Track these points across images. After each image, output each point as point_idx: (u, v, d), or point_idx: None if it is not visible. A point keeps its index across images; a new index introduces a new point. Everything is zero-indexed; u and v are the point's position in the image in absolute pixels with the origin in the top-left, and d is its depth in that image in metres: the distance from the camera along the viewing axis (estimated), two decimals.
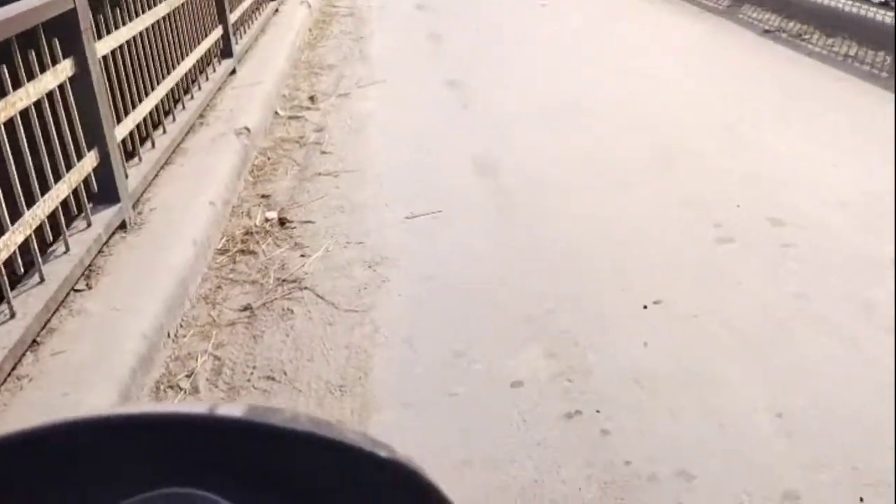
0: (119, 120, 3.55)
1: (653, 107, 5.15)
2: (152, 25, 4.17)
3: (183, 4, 4.79)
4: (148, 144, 3.94)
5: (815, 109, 4.92)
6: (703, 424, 2.37)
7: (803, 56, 6.14)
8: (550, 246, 3.45)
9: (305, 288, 3.20)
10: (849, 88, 5.30)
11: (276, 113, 5.38)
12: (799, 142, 4.41)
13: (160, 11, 4.30)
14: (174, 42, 4.56)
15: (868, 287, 2.99)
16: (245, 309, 3.07)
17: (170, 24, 4.49)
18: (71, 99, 3.07)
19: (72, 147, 3.02)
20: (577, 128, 4.84)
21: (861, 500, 2.06)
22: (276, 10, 8.09)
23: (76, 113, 3.09)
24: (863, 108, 4.89)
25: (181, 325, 2.96)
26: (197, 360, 2.77)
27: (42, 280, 2.68)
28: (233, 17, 6.03)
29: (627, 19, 8.02)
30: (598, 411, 2.46)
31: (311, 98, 5.76)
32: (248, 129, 4.61)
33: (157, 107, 4.12)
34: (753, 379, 2.54)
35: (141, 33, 3.98)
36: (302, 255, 3.46)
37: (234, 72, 5.73)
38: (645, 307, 2.98)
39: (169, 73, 4.37)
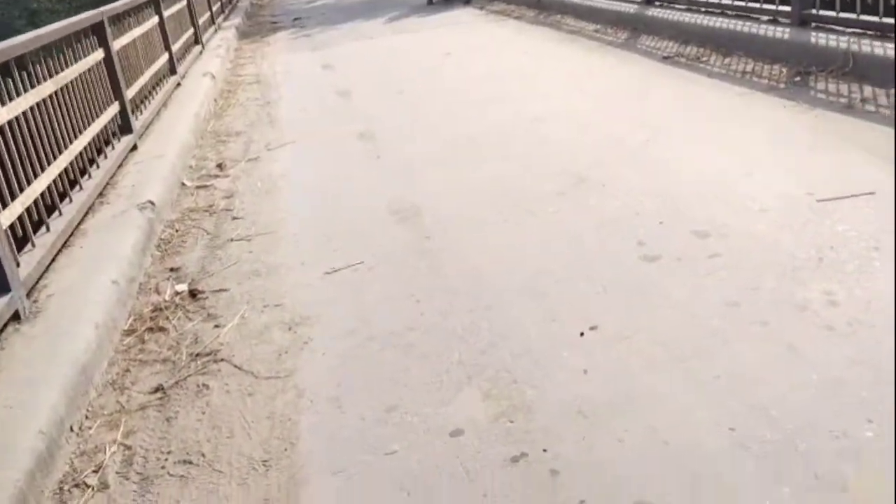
0: (5, 205, 3.31)
1: (563, 137, 5.15)
2: (38, 104, 3.95)
3: (73, 82, 4.59)
4: (42, 229, 3.69)
5: (722, 124, 5.00)
6: (654, 449, 2.24)
7: (704, 77, 6.28)
8: (475, 285, 3.33)
9: (221, 360, 2.98)
10: (751, 101, 5.41)
11: (183, 184, 5.18)
12: (711, 156, 4.44)
13: (45, 90, 4.09)
14: (65, 121, 4.33)
15: (798, 288, 2.95)
16: (156, 390, 2.83)
17: (58, 102, 4.28)
18: None
19: None
20: (491, 165, 4.79)
21: None
22: (178, 84, 7.92)
23: None
24: (766, 118, 4.98)
25: (86, 417, 2.70)
26: (105, 451, 2.51)
27: None
28: (130, 93, 5.83)
29: (529, 55, 8.13)
30: (544, 450, 2.31)
31: (220, 165, 5.58)
32: (151, 203, 4.39)
33: (49, 188, 3.88)
34: (695, 394, 2.44)
35: (25, 113, 3.76)
36: (216, 326, 3.24)
37: (135, 147, 5.51)
38: (581, 334, 2.87)
39: (61, 152, 4.14)
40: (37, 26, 15.77)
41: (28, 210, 3.56)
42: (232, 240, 4.16)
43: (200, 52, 10.03)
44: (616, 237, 3.58)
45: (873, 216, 3.41)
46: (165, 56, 7.74)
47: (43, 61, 4.21)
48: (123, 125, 5.50)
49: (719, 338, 2.71)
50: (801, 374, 2.45)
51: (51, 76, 4.24)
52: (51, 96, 4.17)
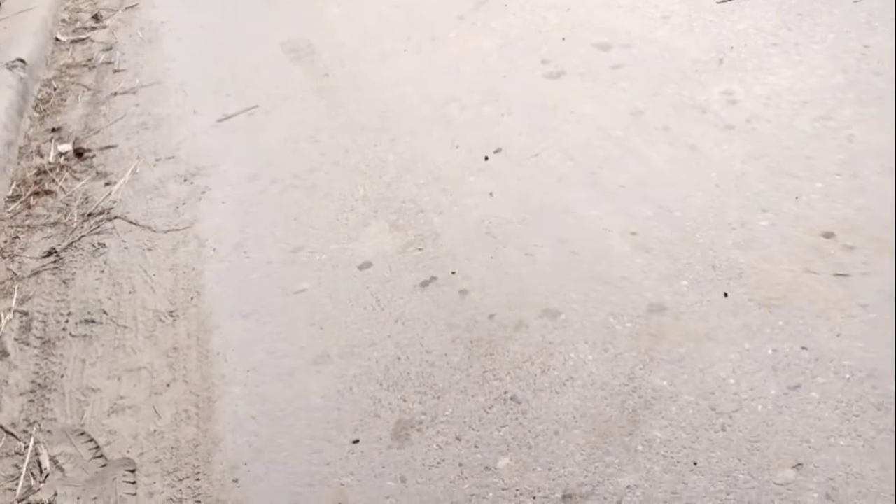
0: None
1: None
2: None
3: None
4: None
5: None
6: (559, 260, 2.26)
7: None
8: (378, 119, 3.20)
9: (116, 217, 2.83)
10: None
11: (57, 39, 4.74)
12: None
13: None
14: None
15: (698, 91, 2.93)
16: (49, 254, 2.69)
17: None
18: None
19: None
20: None
21: (725, 294, 2.02)
22: None
23: None
24: None
25: None
26: (1, 320, 2.40)
27: None
28: None
29: None
30: (453, 273, 2.30)
31: (95, 17, 5.11)
32: (22, 62, 4.02)
33: None
34: (602, 203, 2.44)
35: None
36: (107, 184, 3.06)
37: None
38: (486, 158, 2.81)
39: None
40: None
41: None
42: (116, 94, 3.88)
43: None
44: (519, 57, 3.46)
45: (772, 13, 3.37)
46: None
47: None
48: None
49: (624, 146, 2.69)
50: (702, 173, 2.47)
51: None
52: None
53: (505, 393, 1.89)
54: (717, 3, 3.56)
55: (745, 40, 3.19)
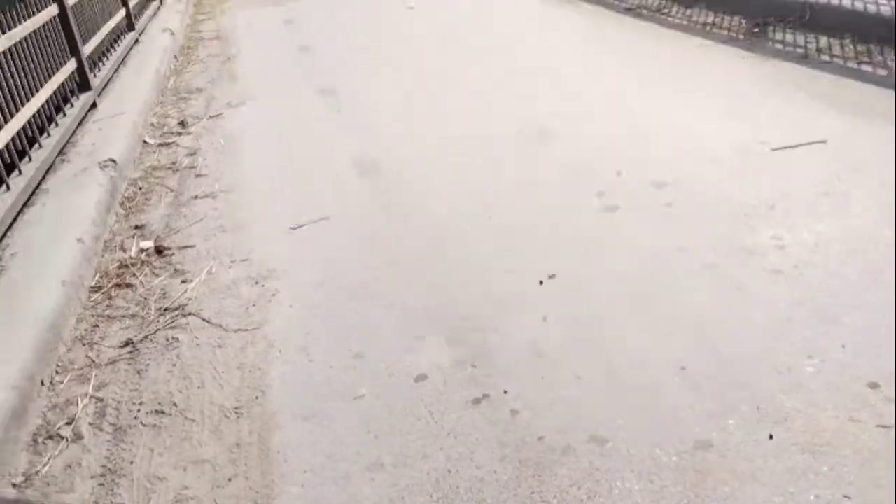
0: None
1: (522, 84, 5.19)
2: None
3: (26, 38, 4.49)
4: (2, 187, 3.66)
5: (684, 74, 5.07)
6: (609, 387, 2.35)
7: (665, 28, 6.33)
8: (438, 236, 3.39)
9: (190, 314, 3.02)
10: (710, 52, 5.48)
11: (145, 142, 5.13)
12: (671, 106, 4.52)
13: None
14: (20, 78, 4.26)
15: (748, 234, 3.06)
16: (126, 344, 2.87)
17: (12, 59, 4.20)
18: None
19: None
20: (450, 115, 4.82)
21: (771, 437, 2.08)
22: (137, 41, 7.76)
23: None
24: (725, 69, 5.06)
25: (57, 371, 2.74)
26: (77, 404, 2.56)
27: None
28: (87, 49, 5.72)
29: (491, 6, 8.11)
30: (505, 392, 2.41)
31: (181, 123, 5.53)
32: (113, 161, 4.36)
33: (8, 147, 3.83)
34: (652, 335, 2.55)
35: None
36: (183, 281, 3.27)
37: (94, 105, 5.43)
38: (541, 282, 2.95)
39: (18, 110, 4.08)
40: None
41: None
42: (196, 196, 4.17)
43: (159, 8, 9.81)
44: (576, 188, 3.66)
45: (824, 164, 3.53)
46: (122, 11, 7.56)
47: None
48: (82, 82, 5.41)
49: (674, 281, 2.82)
50: (750, 315, 2.57)
51: (3, 32, 4.16)
52: (3, 53, 4.09)
53: None
54: (771, 150, 3.74)
55: (796, 187, 3.34)
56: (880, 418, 2.07)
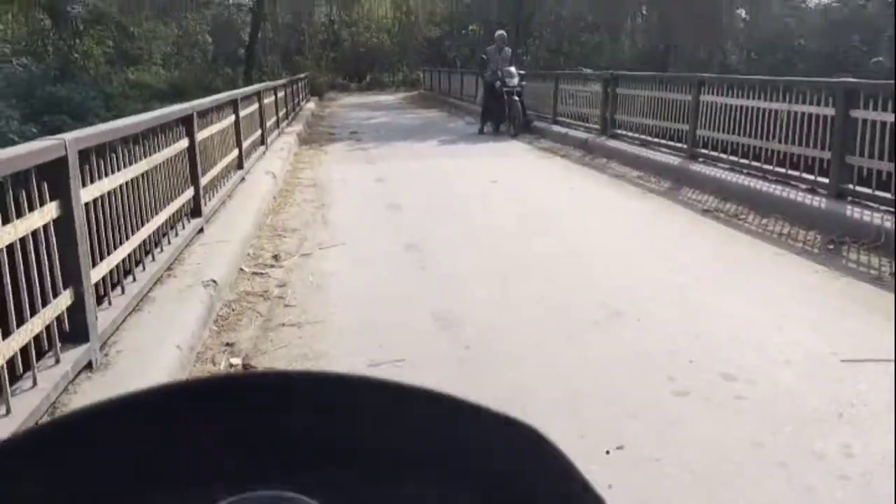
0: (94, 264, 3.63)
1: (604, 272, 5.44)
2: (132, 179, 4.35)
3: (161, 164, 5.02)
4: (118, 290, 4.00)
5: (757, 279, 5.26)
6: None
7: (741, 233, 6.61)
8: (511, 397, 3.53)
9: None
10: (785, 262, 5.69)
11: (242, 269, 5.51)
12: (744, 306, 4.68)
13: (140, 167, 4.51)
14: (150, 197, 4.74)
15: (817, 438, 3.12)
16: None
17: (147, 180, 4.69)
18: (53, 239, 3.16)
19: (49, 284, 3.07)
20: (528, 287, 5.07)
21: None
22: (243, 179, 8.44)
23: (56, 253, 3.17)
24: (798, 280, 5.24)
25: None
26: None
27: (8, 412, 2.64)
28: (204, 180, 6.29)
29: (574, 192, 8.58)
30: None
31: (275, 257, 5.93)
32: (214, 282, 4.71)
33: (129, 256, 4.22)
34: None
35: (121, 185, 4.15)
36: None
37: (201, 230, 5.90)
38: (607, 452, 3.04)
39: (143, 225, 4.51)
40: (110, 109, 16.64)
41: (110, 273, 3.88)
42: (283, 324, 4.43)
43: (264, 153, 10.68)
44: (648, 370, 3.79)
45: (892, 379, 3.60)
46: (236, 151, 8.31)
47: (139, 142, 4.66)
48: (195, 209, 5.92)
49: (742, 473, 2.87)
50: None
51: (145, 157, 4.67)
52: (143, 174, 4.59)
53: None
54: (842, 361, 3.84)
55: (865, 400, 3.41)
56: None
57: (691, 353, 3.96)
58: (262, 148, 10.66)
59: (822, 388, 3.55)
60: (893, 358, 3.84)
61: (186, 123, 5.85)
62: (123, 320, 3.87)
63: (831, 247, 5.96)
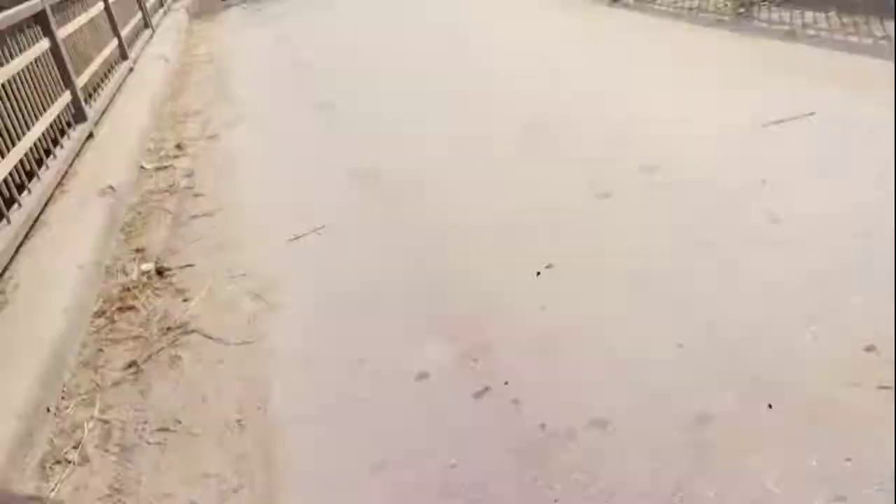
0: None
1: (515, 82, 5.19)
2: None
3: (19, 73, 4.55)
4: (3, 221, 3.70)
5: (670, 59, 5.06)
6: (608, 370, 2.35)
7: (652, 16, 6.33)
8: (438, 236, 3.40)
9: (192, 331, 3.04)
10: (699, 36, 5.47)
11: (142, 167, 5.18)
12: (663, 92, 4.51)
13: None
14: (15, 113, 4.31)
15: (742, 210, 3.05)
16: (130, 366, 2.89)
17: (6, 95, 4.25)
18: None
19: None
20: (445, 117, 4.83)
21: (770, 406, 2.07)
22: (131, 69, 7.84)
23: None
24: (715, 51, 5.05)
25: (62, 397, 2.76)
26: (83, 428, 2.58)
27: None
28: (81, 81, 5.78)
29: (482, 6, 8.13)
30: (506, 383, 2.40)
31: (178, 146, 5.58)
32: (112, 188, 4.40)
33: (6, 182, 3.88)
34: (649, 315, 2.54)
35: None
36: (184, 300, 3.29)
37: (91, 136, 5.48)
38: (538, 274, 2.95)
39: (14, 145, 4.13)
40: None
41: None
42: (195, 217, 4.20)
43: (151, 36, 9.90)
44: (569, 179, 3.66)
45: (814, 135, 3.51)
46: (115, 42, 7.64)
47: None
48: (77, 114, 5.46)
49: (670, 261, 2.81)
50: (746, 288, 2.56)
51: None
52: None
53: (555, 501, 1.95)
54: (762, 126, 3.73)
55: (788, 161, 3.33)
56: (878, 380, 2.05)
57: (612, 152, 3.82)
58: (147, 31, 9.87)
59: (745, 158, 3.46)
60: (813, 112, 3.75)
61: (41, 22, 5.27)
62: (16, 251, 3.60)
63: (742, 10, 5.74)
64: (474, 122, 4.68)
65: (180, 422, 2.53)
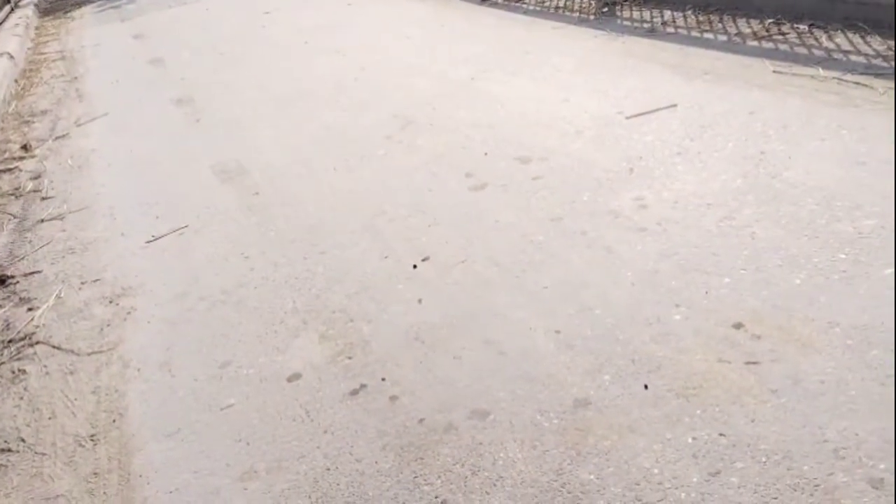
0: None
1: (389, 82, 5.11)
2: None
3: None
4: None
5: (540, 57, 5.12)
6: (487, 361, 2.30)
7: (520, 15, 6.41)
8: (306, 233, 3.27)
9: (38, 342, 2.77)
10: (565, 34, 5.57)
11: None
12: (531, 87, 4.54)
13: None
14: None
15: (612, 198, 3.09)
16: None
17: None
18: None
19: None
20: (312, 116, 4.69)
21: (646, 387, 2.08)
22: None
23: None
24: (579, 48, 5.14)
25: None
26: None
27: None
28: None
29: (352, 6, 8.00)
30: (383, 379, 2.31)
31: (24, 147, 5.14)
32: None
33: None
34: (526, 304, 2.52)
35: None
36: (30, 309, 3.01)
37: None
38: (414, 267, 2.88)
39: None
40: None
41: None
42: (42, 220, 3.86)
43: None
44: (445, 172, 3.61)
45: (676, 126, 3.62)
46: None
47: None
48: None
49: (545, 251, 2.80)
50: (619, 273, 2.58)
51: None
52: None
53: (436, 497, 1.87)
54: (626, 118, 3.81)
55: (652, 151, 3.41)
56: (747, 356, 2.10)
57: (486, 146, 3.80)
58: None
59: (612, 149, 3.52)
60: (674, 104, 3.87)
61: None
62: None
63: (605, 10, 5.90)
64: (343, 117, 4.56)
65: (24, 441, 2.29)
